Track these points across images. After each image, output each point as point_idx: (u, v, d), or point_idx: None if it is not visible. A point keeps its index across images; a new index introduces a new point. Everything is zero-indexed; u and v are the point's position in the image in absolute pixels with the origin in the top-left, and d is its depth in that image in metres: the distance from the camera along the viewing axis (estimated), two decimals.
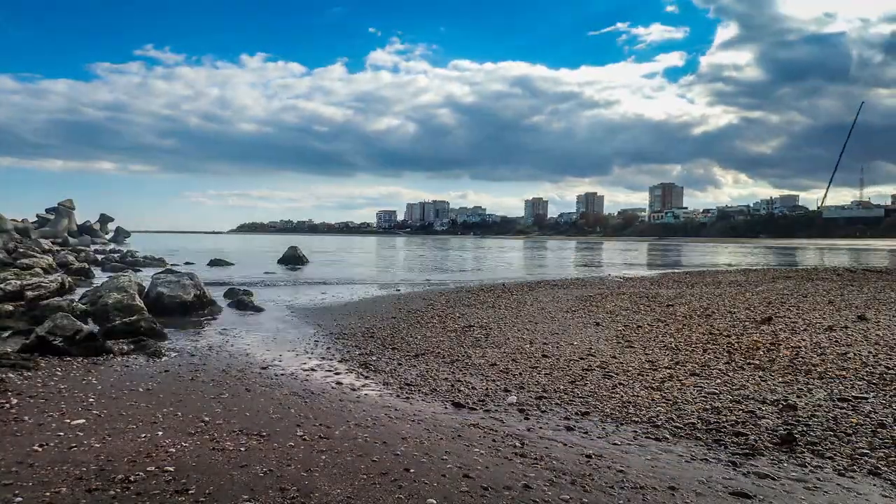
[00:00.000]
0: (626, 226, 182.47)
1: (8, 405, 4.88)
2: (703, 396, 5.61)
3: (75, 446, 4.05)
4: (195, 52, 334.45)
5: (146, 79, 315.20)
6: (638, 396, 5.65)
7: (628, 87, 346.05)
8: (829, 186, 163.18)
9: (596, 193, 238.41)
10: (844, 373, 6.30)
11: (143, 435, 4.32)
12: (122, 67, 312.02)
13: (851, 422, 4.82)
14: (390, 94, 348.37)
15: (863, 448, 4.31)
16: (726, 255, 48.10)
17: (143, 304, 10.23)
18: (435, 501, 3.44)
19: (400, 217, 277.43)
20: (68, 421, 4.57)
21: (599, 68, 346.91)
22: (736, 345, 7.88)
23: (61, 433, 4.29)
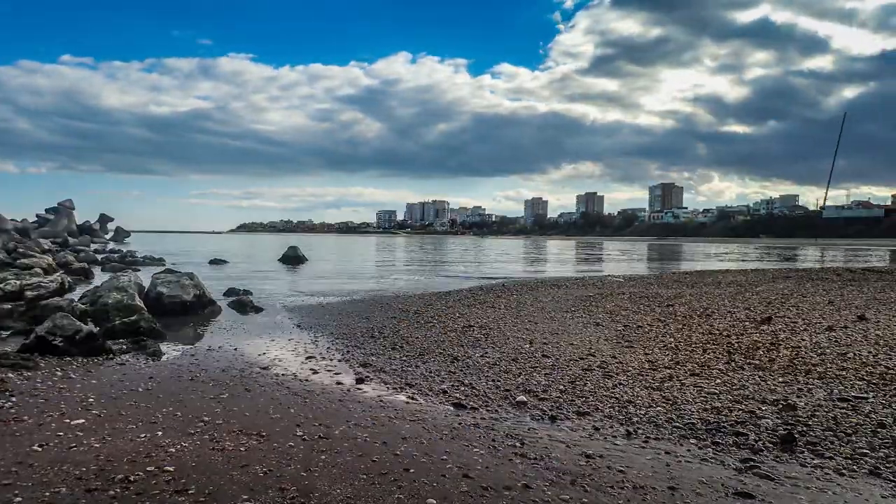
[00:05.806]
0: (626, 226, 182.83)
1: (8, 405, 4.89)
2: (703, 396, 5.61)
3: (75, 446, 4.05)
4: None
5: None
6: (638, 396, 5.65)
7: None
8: (827, 188, 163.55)
9: (596, 193, 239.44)
10: (844, 373, 6.31)
11: (143, 435, 4.32)
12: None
13: (851, 422, 4.82)
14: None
15: (863, 448, 4.30)
16: (726, 255, 48.10)
17: (142, 304, 10.22)
18: (435, 501, 3.44)
19: (399, 217, 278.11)
20: (68, 421, 4.57)
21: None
22: (736, 345, 7.88)
23: (61, 433, 4.29)
